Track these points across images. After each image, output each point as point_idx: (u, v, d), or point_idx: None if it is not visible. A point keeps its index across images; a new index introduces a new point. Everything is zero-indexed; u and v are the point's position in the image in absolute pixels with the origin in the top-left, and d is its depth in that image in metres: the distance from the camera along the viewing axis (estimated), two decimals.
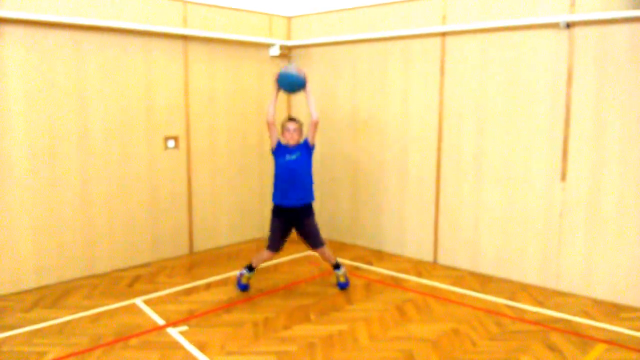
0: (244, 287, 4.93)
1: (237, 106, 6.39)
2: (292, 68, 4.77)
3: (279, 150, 4.78)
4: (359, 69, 6.19)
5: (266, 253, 4.87)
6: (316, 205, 6.66)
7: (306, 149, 4.79)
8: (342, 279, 4.99)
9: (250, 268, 4.92)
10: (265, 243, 4.92)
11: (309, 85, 4.79)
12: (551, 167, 4.83)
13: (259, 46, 6.53)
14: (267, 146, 6.44)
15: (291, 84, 4.74)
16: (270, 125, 4.78)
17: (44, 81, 4.87)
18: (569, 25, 4.63)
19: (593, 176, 4.61)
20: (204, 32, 5.87)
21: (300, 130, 4.80)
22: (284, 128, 4.79)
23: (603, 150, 4.54)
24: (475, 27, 5.12)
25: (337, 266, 4.99)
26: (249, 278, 4.94)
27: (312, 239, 4.88)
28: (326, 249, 4.94)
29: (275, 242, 4.85)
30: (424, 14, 5.55)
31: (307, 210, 4.83)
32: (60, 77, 4.96)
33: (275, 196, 4.81)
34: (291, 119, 4.88)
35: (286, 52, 6.82)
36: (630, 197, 4.43)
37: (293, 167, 4.70)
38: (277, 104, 4.80)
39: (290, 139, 4.75)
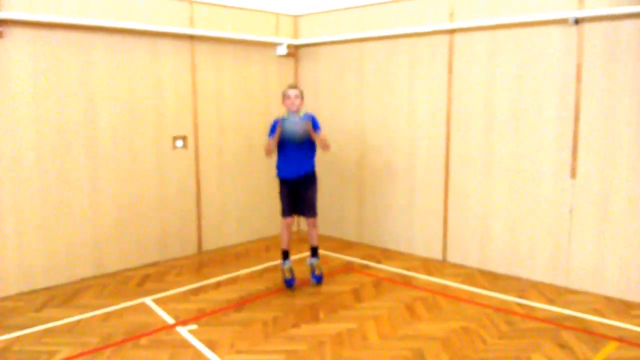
0: (289, 283, 4.96)
1: (244, 105, 6.39)
2: (295, 122, 4.74)
3: (279, 123, 4.83)
4: (365, 67, 6.18)
5: (283, 222, 5.02)
6: (324, 205, 6.68)
7: (309, 119, 4.84)
8: (317, 271, 5.04)
9: (285, 255, 5.03)
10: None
11: (313, 131, 4.80)
12: (561, 164, 4.80)
13: (266, 45, 6.53)
14: None
15: (293, 135, 4.77)
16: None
17: (52, 82, 4.89)
18: (577, 21, 4.60)
19: (603, 173, 4.58)
20: (210, 32, 5.88)
21: (301, 96, 4.89)
22: (285, 96, 4.87)
23: (613, 147, 4.51)
24: (483, 24, 5.09)
25: (315, 252, 5.09)
26: (290, 270, 4.99)
27: (310, 206, 5.01)
28: (317, 225, 5.10)
29: (287, 208, 5.00)
30: (431, 12, 5.53)
31: (310, 178, 4.98)
32: (68, 78, 4.98)
33: (278, 168, 4.98)
34: (292, 86, 4.97)
35: (293, 51, 6.81)
36: None
37: (294, 133, 4.78)
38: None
39: (292, 105, 4.83)
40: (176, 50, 5.72)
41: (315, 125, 4.86)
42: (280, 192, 5.02)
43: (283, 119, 4.76)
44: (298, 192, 4.98)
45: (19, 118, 4.72)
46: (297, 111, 4.87)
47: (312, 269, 5.07)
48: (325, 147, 4.89)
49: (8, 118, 4.66)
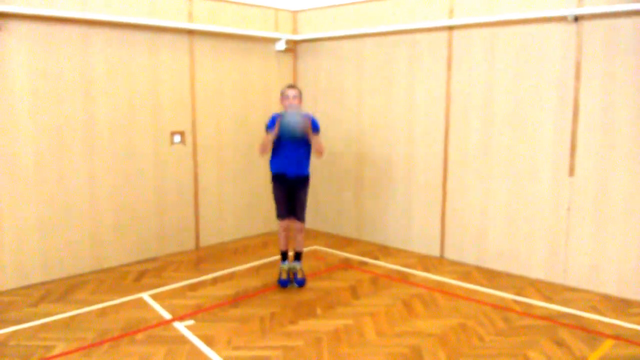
0: (283, 283, 4.93)
1: (243, 101, 6.38)
2: (295, 118, 4.61)
3: (280, 120, 4.75)
4: (365, 63, 6.17)
5: (280, 224, 4.97)
6: (322, 201, 6.68)
7: (308, 119, 4.76)
8: (299, 275, 5.00)
9: (283, 256, 5.00)
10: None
11: (311, 133, 4.71)
12: (559, 162, 4.80)
13: (264, 41, 6.51)
14: None
15: (291, 131, 4.63)
16: None
17: (50, 76, 4.87)
18: (576, 19, 4.59)
19: (601, 171, 4.57)
20: (209, 27, 5.86)
21: (300, 97, 4.82)
22: (283, 96, 4.81)
23: (611, 145, 4.50)
24: (482, 20, 5.08)
25: (299, 256, 5.04)
26: (287, 271, 4.97)
27: (300, 210, 4.94)
28: (303, 230, 5.02)
29: (283, 210, 4.94)
30: (430, 8, 5.52)
31: (303, 180, 4.90)
32: (66, 73, 4.96)
33: (273, 165, 4.90)
34: (291, 86, 4.89)
35: (292, 47, 6.80)
36: (639, 191, 4.39)
37: (292, 129, 4.68)
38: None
39: (290, 106, 4.77)
40: (175, 45, 5.70)
41: (314, 126, 4.76)
42: (275, 192, 4.93)
43: (283, 114, 4.73)
44: (291, 192, 4.91)
45: (17, 113, 4.70)
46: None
47: (295, 272, 5.00)
48: (319, 151, 4.78)
49: (5, 113, 4.64)
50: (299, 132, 4.62)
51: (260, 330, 4.00)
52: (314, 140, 4.75)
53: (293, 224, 5.01)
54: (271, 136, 4.67)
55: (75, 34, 4.98)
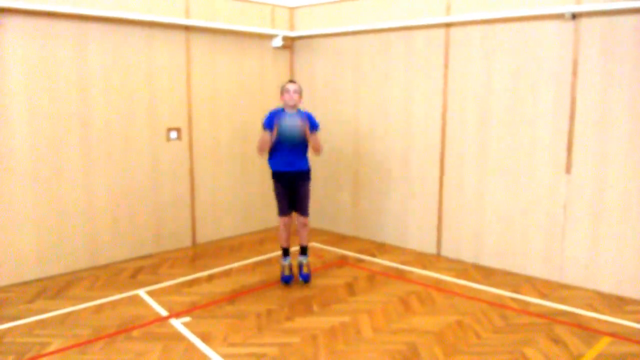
0: (286, 279, 4.91)
1: (239, 97, 6.36)
2: (293, 122, 4.69)
3: (276, 118, 4.73)
4: (361, 60, 6.15)
5: (280, 220, 4.94)
6: (319, 198, 6.67)
7: (306, 119, 4.77)
8: (305, 270, 4.97)
9: (285, 253, 4.98)
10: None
11: (308, 132, 4.76)
12: (556, 159, 4.80)
13: (261, 37, 6.49)
14: None
15: (290, 136, 4.72)
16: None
17: (46, 72, 4.84)
18: (574, 16, 4.58)
19: (598, 168, 4.58)
20: (206, 23, 5.83)
21: (300, 92, 4.80)
22: (284, 90, 4.77)
23: (608, 143, 4.50)
24: (480, 17, 5.07)
25: (304, 251, 5.02)
26: (289, 267, 4.95)
27: (303, 204, 4.93)
28: (308, 224, 5.01)
29: (284, 206, 4.91)
30: (428, 4, 5.50)
31: (304, 175, 4.90)
32: (62, 68, 4.93)
33: (272, 162, 4.88)
34: (291, 80, 4.88)
35: (289, 43, 6.78)
36: (635, 189, 4.40)
37: (290, 132, 4.71)
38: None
39: (290, 100, 4.74)
40: (171, 41, 5.68)
41: (313, 124, 4.79)
42: (275, 190, 4.92)
43: (280, 115, 4.70)
44: (293, 189, 4.90)
45: (12, 109, 4.67)
46: (295, 107, 4.76)
47: (300, 267, 5.00)
48: (316, 149, 4.83)
49: (1, 109, 4.61)
50: (297, 136, 4.68)
51: (257, 327, 3.99)
52: (312, 139, 4.80)
53: (296, 218, 4.99)
54: (269, 137, 4.70)
55: (71, 29, 4.95)
